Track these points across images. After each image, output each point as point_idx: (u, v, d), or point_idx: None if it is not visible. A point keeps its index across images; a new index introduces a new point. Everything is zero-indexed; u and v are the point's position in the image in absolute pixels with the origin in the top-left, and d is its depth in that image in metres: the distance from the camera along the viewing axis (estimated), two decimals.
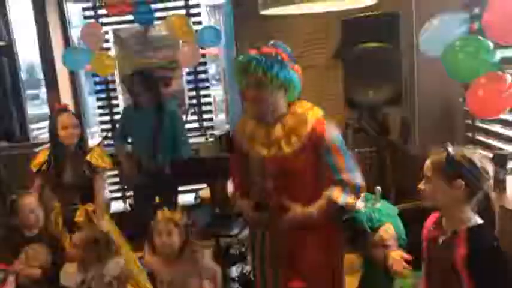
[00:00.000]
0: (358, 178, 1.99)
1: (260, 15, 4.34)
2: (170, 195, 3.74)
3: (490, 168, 1.65)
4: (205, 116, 4.75)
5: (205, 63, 4.74)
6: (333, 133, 2.00)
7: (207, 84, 4.80)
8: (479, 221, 1.65)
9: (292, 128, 2.01)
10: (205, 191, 3.95)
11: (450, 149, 1.64)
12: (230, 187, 2.29)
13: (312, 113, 2.02)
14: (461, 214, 1.65)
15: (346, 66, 3.04)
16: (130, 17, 4.55)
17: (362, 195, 2.08)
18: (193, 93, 4.74)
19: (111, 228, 2.86)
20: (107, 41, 4.58)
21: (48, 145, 3.07)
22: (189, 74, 4.73)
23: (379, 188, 2.19)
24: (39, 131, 4.76)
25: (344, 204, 1.94)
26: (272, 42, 2.02)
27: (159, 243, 2.24)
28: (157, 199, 3.75)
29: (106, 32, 4.56)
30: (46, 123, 3.22)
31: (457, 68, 2.29)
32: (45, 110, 4.80)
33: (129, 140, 3.85)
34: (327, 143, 1.96)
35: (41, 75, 4.82)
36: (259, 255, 2.22)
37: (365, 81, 2.94)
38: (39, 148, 3.87)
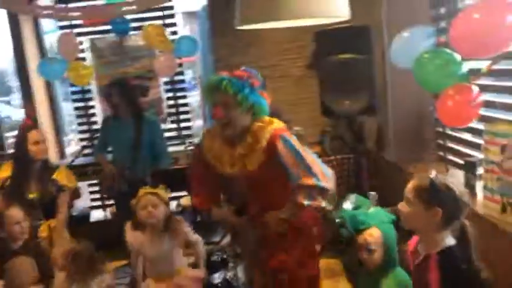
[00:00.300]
0: (321, 180, 2.03)
1: (231, 23, 4.47)
2: None
3: (467, 198, 1.72)
4: (183, 124, 4.77)
5: (182, 73, 4.76)
6: (286, 142, 2.05)
7: (184, 93, 4.83)
8: (451, 242, 1.68)
9: (251, 145, 2.08)
10: (186, 199, 3.98)
11: (434, 177, 1.68)
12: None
13: (269, 128, 2.08)
14: (436, 238, 1.69)
15: (321, 76, 3.12)
16: (106, 27, 4.56)
17: (351, 200, 2.18)
18: (172, 101, 4.76)
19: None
20: (82, 51, 4.56)
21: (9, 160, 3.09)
22: (166, 83, 4.75)
23: (373, 193, 2.26)
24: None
25: (310, 205, 2.00)
26: (244, 68, 2.09)
27: (145, 215, 2.36)
28: None
29: (81, 42, 4.54)
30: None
31: (427, 80, 2.39)
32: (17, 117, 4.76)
33: (110, 149, 3.84)
34: (280, 153, 2.02)
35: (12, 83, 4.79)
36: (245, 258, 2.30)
37: (340, 91, 3.03)
38: None
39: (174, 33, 4.63)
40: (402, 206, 1.79)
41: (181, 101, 4.80)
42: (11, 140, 4.65)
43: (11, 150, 4.22)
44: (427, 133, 3.23)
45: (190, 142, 4.58)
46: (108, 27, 4.51)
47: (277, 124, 2.11)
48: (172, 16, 4.66)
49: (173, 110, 4.76)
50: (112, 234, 3.19)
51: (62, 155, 4.97)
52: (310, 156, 2.12)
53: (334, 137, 3.89)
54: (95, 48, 4.64)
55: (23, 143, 2.89)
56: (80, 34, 4.56)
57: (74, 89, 4.81)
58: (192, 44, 4.45)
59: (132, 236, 2.46)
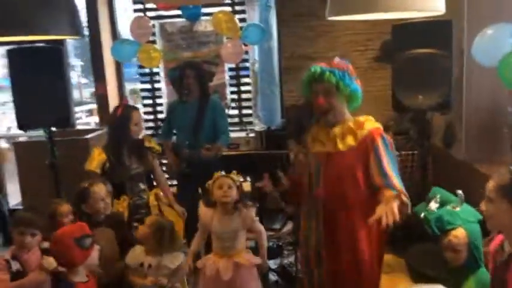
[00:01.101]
0: (402, 186, 2.07)
1: (304, 15, 4.48)
2: None
3: None
4: (245, 111, 4.86)
5: (247, 60, 4.84)
6: (386, 142, 2.16)
7: (247, 80, 4.90)
8: None
9: (350, 129, 2.19)
10: (246, 185, 4.05)
11: None
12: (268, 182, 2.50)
13: (371, 122, 2.22)
14: None
15: (396, 70, 3.09)
16: (176, 12, 4.69)
17: (436, 200, 2.18)
18: (235, 88, 4.85)
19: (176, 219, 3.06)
20: (153, 34, 4.71)
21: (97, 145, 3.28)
22: (231, 69, 4.84)
23: (461, 192, 2.24)
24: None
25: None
26: (338, 59, 2.17)
27: (220, 194, 2.53)
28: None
29: (153, 25, 4.69)
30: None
31: None
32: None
33: (174, 132, 3.96)
34: (379, 148, 2.10)
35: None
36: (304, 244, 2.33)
37: (414, 86, 2.99)
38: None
39: (243, 20, 4.69)
40: (485, 206, 1.79)
41: (243, 88, 4.88)
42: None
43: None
44: (502, 133, 3.15)
45: (251, 129, 4.65)
46: (179, 12, 4.63)
47: (377, 123, 2.24)
48: (242, 3, 4.72)
49: (235, 97, 4.85)
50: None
51: None
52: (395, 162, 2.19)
53: (397, 132, 3.86)
54: (165, 32, 4.78)
55: (127, 123, 3.10)
56: (152, 18, 4.70)
57: (141, 71, 4.97)
58: (259, 31, 4.51)
59: (204, 211, 2.61)
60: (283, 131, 4.24)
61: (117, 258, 2.56)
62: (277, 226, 3.39)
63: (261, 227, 2.69)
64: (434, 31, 2.97)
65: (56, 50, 3.46)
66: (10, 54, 3.32)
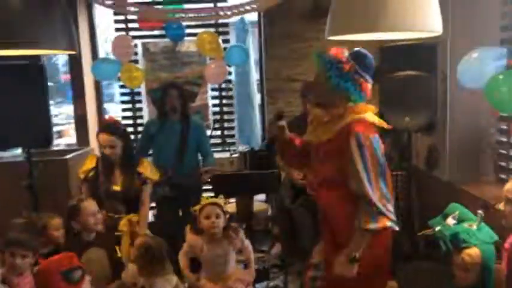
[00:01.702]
0: (375, 195, 1.97)
1: (288, 35, 4.52)
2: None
3: None
4: (227, 132, 4.82)
5: (230, 81, 4.83)
6: (359, 142, 2.00)
7: (231, 101, 4.89)
8: None
9: (333, 118, 2.13)
10: (231, 206, 4.00)
11: None
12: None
13: (353, 115, 2.10)
14: None
15: (383, 91, 3.14)
16: (160, 32, 4.67)
17: (454, 216, 2.17)
18: (217, 108, 4.83)
19: None
20: (135, 53, 4.66)
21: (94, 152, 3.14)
22: (213, 89, 4.82)
23: (481, 212, 2.23)
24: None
25: (375, 230, 1.96)
26: (357, 49, 2.11)
27: (208, 225, 2.50)
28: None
29: (135, 45, 4.65)
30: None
31: (501, 100, 2.39)
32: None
33: (150, 152, 3.87)
34: (351, 148, 1.99)
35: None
36: None
37: (401, 107, 3.04)
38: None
39: (226, 41, 4.70)
40: (503, 206, 1.80)
41: (226, 109, 4.86)
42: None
43: None
44: (485, 154, 3.21)
45: (234, 150, 4.62)
46: (162, 32, 4.61)
47: (366, 116, 2.10)
48: (225, 25, 4.74)
49: (218, 117, 4.82)
50: (156, 235, 3.23)
51: None
52: (377, 169, 2.08)
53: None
54: (147, 52, 4.74)
55: (100, 145, 2.98)
56: (134, 37, 4.66)
57: (123, 90, 4.90)
58: (243, 53, 4.53)
59: (192, 238, 2.58)
60: (267, 151, 4.22)
61: (110, 279, 2.46)
62: (264, 248, 3.34)
63: (247, 241, 2.69)
64: (419, 54, 3.05)
65: (37, 67, 3.35)
66: None
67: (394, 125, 3.13)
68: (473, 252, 2.08)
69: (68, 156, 3.88)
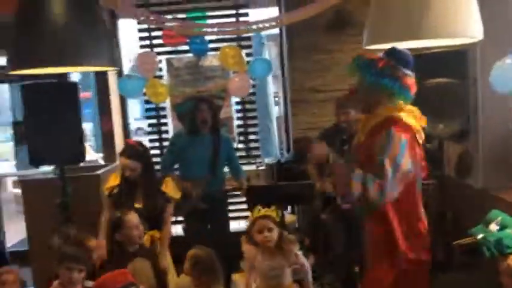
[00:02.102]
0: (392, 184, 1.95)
1: (310, 47, 4.55)
2: (224, 221, 3.81)
3: None
4: (252, 145, 4.85)
5: (254, 93, 4.87)
6: (390, 138, 1.99)
7: (255, 113, 4.92)
8: None
9: (368, 119, 2.15)
10: (289, 217, 3.99)
11: None
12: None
13: (390, 113, 2.09)
14: None
15: (415, 99, 3.13)
16: (183, 47, 4.74)
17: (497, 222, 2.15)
18: (241, 121, 4.86)
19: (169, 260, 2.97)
20: (159, 69, 4.73)
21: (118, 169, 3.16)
22: (237, 103, 4.87)
23: None
24: None
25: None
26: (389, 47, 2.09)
27: (261, 239, 2.46)
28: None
29: (160, 61, 4.72)
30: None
31: None
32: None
33: (175, 167, 3.91)
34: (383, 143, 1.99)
35: None
36: None
37: (434, 115, 3.03)
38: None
39: (249, 54, 4.75)
40: None
41: (250, 122, 4.89)
42: None
43: None
44: None
45: (259, 162, 4.63)
46: (186, 47, 4.68)
47: (401, 115, 2.09)
48: (248, 38, 4.79)
49: (242, 130, 4.85)
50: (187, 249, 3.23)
51: None
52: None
53: None
54: (171, 67, 4.80)
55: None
56: (158, 53, 4.73)
57: (148, 106, 4.96)
58: (266, 65, 4.57)
59: (248, 249, 2.59)
60: (294, 163, 4.22)
61: None
62: None
63: (304, 260, 2.62)
64: (449, 62, 3.05)
65: (71, 86, 3.45)
66: (25, 89, 3.29)
67: (428, 132, 3.14)
68: None
69: (100, 172, 3.93)
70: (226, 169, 3.88)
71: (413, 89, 2.10)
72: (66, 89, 3.38)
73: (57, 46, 1.78)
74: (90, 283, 2.30)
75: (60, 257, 2.27)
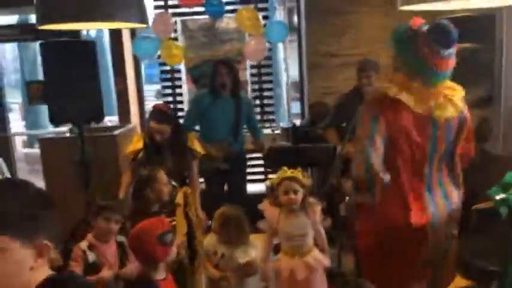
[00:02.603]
0: None
1: (329, 11, 4.48)
2: (242, 183, 3.85)
3: None
4: (268, 109, 4.84)
5: (270, 58, 4.82)
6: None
7: (270, 77, 4.89)
8: None
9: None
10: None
11: None
12: None
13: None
14: None
15: None
16: (199, 9, 4.66)
17: None
18: (257, 85, 4.84)
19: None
20: (175, 31, 4.67)
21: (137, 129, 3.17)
22: (252, 67, 4.82)
23: None
24: None
25: None
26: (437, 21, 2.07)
27: (286, 200, 2.43)
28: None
29: (175, 22, 4.65)
30: None
31: None
32: None
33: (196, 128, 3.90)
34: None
35: None
36: None
37: (457, 80, 3.00)
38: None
39: (266, 17, 4.68)
40: None
41: (265, 86, 4.86)
42: None
43: None
44: None
45: (274, 126, 4.63)
46: (201, 9, 4.60)
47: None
48: (265, 1, 4.71)
49: (257, 94, 4.83)
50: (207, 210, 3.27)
51: None
52: None
53: None
54: (186, 29, 4.74)
55: (149, 125, 2.99)
56: (174, 14, 4.66)
57: (162, 68, 4.93)
58: (282, 29, 4.51)
59: (270, 211, 2.52)
60: (310, 127, 4.22)
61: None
62: None
63: (322, 230, 2.59)
64: (476, 26, 2.99)
65: (89, 44, 3.41)
66: (43, 48, 3.26)
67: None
68: None
69: (116, 132, 3.94)
70: (245, 131, 3.89)
71: (444, 68, 2.10)
72: (85, 48, 3.35)
73: (90, 1, 1.75)
74: (122, 238, 2.34)
75: (98, 208, 2.31)
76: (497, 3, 2.04)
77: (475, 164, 3.65)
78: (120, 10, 1.82)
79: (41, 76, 6.92)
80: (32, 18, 5.98)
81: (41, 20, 1.86)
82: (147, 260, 1.96)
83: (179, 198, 2.86)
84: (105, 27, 2.48)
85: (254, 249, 2.54)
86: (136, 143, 3.07)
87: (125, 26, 2.38)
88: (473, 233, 3.28)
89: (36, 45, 6.79)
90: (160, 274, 1.99)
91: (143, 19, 1.97)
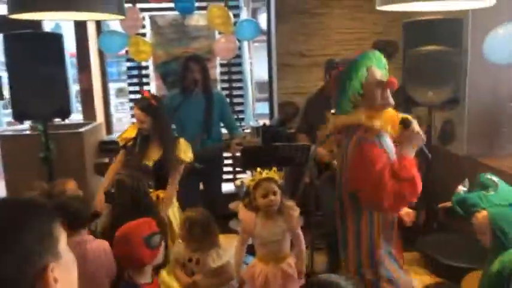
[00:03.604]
0: None
1: (300, 12, 4.51)
2: (217, 182, 3.81)
3: None
4: (237, 108, 4.81)
5: (240, 56, 4.80)
6: None
7: (240, 76, 4.86)
8: None
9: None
10: (248, 179, 4.01)
11: None
12: None
13: None
14: None
15: (408, 66, 3.18)
16: (168, 4, 4.57)
17: (464, 183, 2.23)
18: (226, 84, 4.80)
19: (176, 220, 2.91)
20: (143, 27, 4.57)
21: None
22: (222, 65, 4.79)
23: (495, 178, 2.26)
24: None
25: None
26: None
27: (265, 202, 2.32)
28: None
29: (143, 18, 4.55)
30: None
31: None
32: None
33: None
34: None
35: None
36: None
37: (425, 82, 3.09)
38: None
39: (236, 15, 4.65)
40: None
41: (235, 84, 4.84)
42: None
43: None
44: (502, 128, 3.31)
45: (244, 125, 4.61)
46: (171, 4, 4.52)
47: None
48: None
49: (227, 93, 4.79)
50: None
51: (109, 131, 4.96)
52: None
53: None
54: (155, 25, 4.65)
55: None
56: (142, 10, 4.56)
57: (129, 64, 4.81)
58: (253, 27, 4.49)
59: (246, 216, 2.40)
60: (280, 126, 4.23)
61: None
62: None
63: (301, 234, 2.51)
64: (444, 29, 3.09)
65: (55, 37, 3.28)
66: (7, 40, 3.11)
67: (419, 100, 3.20)
68: (480, 215, 2.10)
69: (83, 130, 3.81)
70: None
71: None
72: (51, 41, 3.22)
73: None
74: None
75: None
76: (469, 6, 2.11)
77: (440, 166, 3.78)
78: (100, 1, 1.75)
79: None
80: None
81: (13, 8, 1.76)
82: (132, 263, 1.87)
83: (150, 200, 2.78)
84: (82, 18, 2.38)
85: (226, 252, 2.41)
86: (130, 131, 2.98)
87: (102, 18, 2.30)
88: (439, 231, 3.40)
89: None
90: (146, 278, 1.90)
91: (121, 10, 1.90)
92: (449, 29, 3.06)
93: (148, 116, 2.83)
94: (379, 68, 1.99)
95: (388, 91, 1.98)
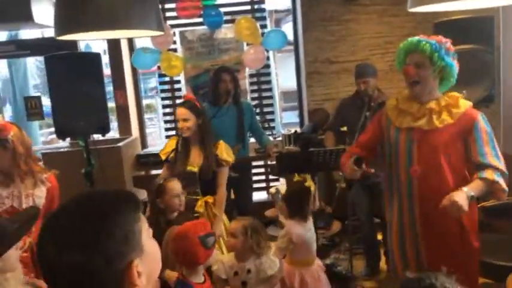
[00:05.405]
0: (504, 167, 2.08)
1: (327, 19, 4.55)
2: (248, 190, 3.86)
3: None
4: (268, 117, 4.88)
5: (268, 66, 4.87)
6: (485, 121, 2.14)
7: (269, 86, 4.94)
8: None
9: (445, 106, 2.16)
10: (281, 188, 4.05)
11: None
12: None
13: (464, 101, 2.19)
14: None
15: None
16: (197, 19, 4.70)
17: None
18: (256, 94, 4.88)
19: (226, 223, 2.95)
20: (174, 42, 4.71)
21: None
22: (252, 75, 4.87)
23: None
24: None
25: (497, 184, 2.03)
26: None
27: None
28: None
29: (174, 34, 4.69)
30: None
31: None
32: None
33: None
34: (479, 128, 2.10)
35: None
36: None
37: (459, 81, 3.07)
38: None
39: (263, 26, 4.74)
40: None
41: (265, 94, 4.91)
42: None
43: None
44: None
45: (275, 133, 4.67)
46: (200, 19, 4.64)
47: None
48: (262, 10, 4.77)
49: (258, 102, 4.87)
50: None
51: (143, 145, 5.09)
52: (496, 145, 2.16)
53: None
54: (185, 40, 4.78)
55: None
56: (172, 26, 4.70)
57: (161, 80, 4.95)
58: (281, 37, 4.57)
59: (289, 224, 2.56)
60: (312, 133, 4.27)
61: None
62: (321, 224, 3.39)
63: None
64: (475, 27, 3.07)
65: (93, 56, 3.43)
66: (49, 61, 3.27)
67: None
68: None
69: (121, 144, 3.95)
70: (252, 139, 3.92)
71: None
72: (89, 60, 3.37)
73: (107, 9, 1.77)
74: None
75: None
76: (501, 3, 2.11)
77: None
78: (139, 18, 1.84)
79: (32, 92, 6.91)
80: (22, 34, 5.99)
81: (59, 30, 1.88)
82: (187, 260, 1.94)
83: (199, 207, 2.83)
84: (124, 35, 2.49)
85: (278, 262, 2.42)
86: (170, 145, 3.04)
87: (144, 34, 2.40)
88: (481, 231, 3.33)
89: (25, 61, 6.74)
90: (199, 278, 1.97)
91: (160, 26, 1.99)
92: (480, 27, 3.04)
93: (193, 115, 2.88)
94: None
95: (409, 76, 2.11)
